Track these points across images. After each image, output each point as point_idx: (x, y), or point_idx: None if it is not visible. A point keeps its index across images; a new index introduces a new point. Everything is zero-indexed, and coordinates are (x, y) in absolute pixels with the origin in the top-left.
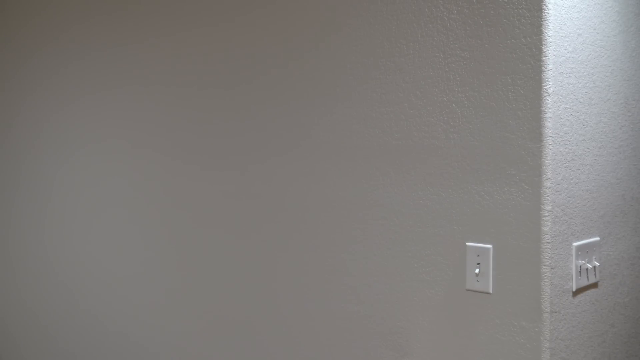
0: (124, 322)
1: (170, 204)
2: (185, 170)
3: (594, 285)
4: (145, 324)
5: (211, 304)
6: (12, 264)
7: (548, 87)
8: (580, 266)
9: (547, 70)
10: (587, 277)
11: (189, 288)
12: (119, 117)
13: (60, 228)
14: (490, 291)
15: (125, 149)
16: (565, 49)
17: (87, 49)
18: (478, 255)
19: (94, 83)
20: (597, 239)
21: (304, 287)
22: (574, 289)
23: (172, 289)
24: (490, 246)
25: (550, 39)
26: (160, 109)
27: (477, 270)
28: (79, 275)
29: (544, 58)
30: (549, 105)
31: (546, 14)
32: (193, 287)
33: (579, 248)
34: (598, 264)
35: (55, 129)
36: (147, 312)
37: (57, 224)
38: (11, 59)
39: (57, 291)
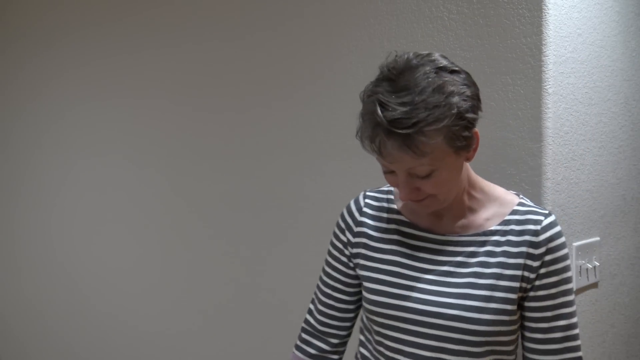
0: (125, 320)
1: (172, 204)
2: (187, 172)
3: (594, 285)
4: (147, 321)
5: (212, 301)
6: (15, 264)
7: (548, 87)
8: (580, 266)
9: (547, 70)
10: (587, 277)
11: (191, 285)
12: (122, 121)
13: (63, 227)
14: None
15: (127, 150)
16: (565, 49)
17: (89, 55)
18: None
19: (96, 88)
20: (597, 239)
21: (302, 286)
22: (574, 289)
23: (174, 287)
24: None
25: (550, 39)
26: (162, 112)
27: None
28: (82, 274)
29: (544, 58)
30: (549, 105)
31: (546, 14)
32: (196, 284)
33: (579, 248)
34: (598, 264)
35: (59, 131)
36: (149, 309)
37: (60, 224)
38: (12, 63)
39: (61, 290)
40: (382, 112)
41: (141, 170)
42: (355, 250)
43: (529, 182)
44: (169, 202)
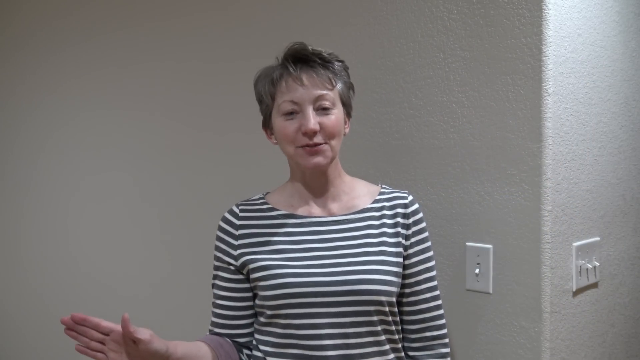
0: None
1: (167, 203)
2: (184, 169)
3: (594, 285)
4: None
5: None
6: (20, 267)
7: (548, 87)
8: (580, 266)
9: (547, 70)
10: (587, 277)
11: (185, 286)
12: (116, 116)
13: (56, 227)
14: (490, 291)
15: (123, 148)
16: (565, 49)
17: (93, 62)
18: (478, 255)
19: (102, 93)
20: (597, 239)
21: None
22: (574, 289)
23: (168, 287)
24: (490, 246)
25: (550, 39)
26: (158, 108)
27: (477, 270)
28: (75, 275)
29: (544, 58)
30: (549, 105)
31: (546, 14)
32: (188, 286)
33: (579, 248)
34: (598, 264)
35: (64, 135)
36: (144, 310)
37: (53, 224)
38: (17, 69)
39: (53, 290)
40: (298, 46)
41: (139, 167)
42: (239, 251)
43: (529, 182)
44: (168, 201)
